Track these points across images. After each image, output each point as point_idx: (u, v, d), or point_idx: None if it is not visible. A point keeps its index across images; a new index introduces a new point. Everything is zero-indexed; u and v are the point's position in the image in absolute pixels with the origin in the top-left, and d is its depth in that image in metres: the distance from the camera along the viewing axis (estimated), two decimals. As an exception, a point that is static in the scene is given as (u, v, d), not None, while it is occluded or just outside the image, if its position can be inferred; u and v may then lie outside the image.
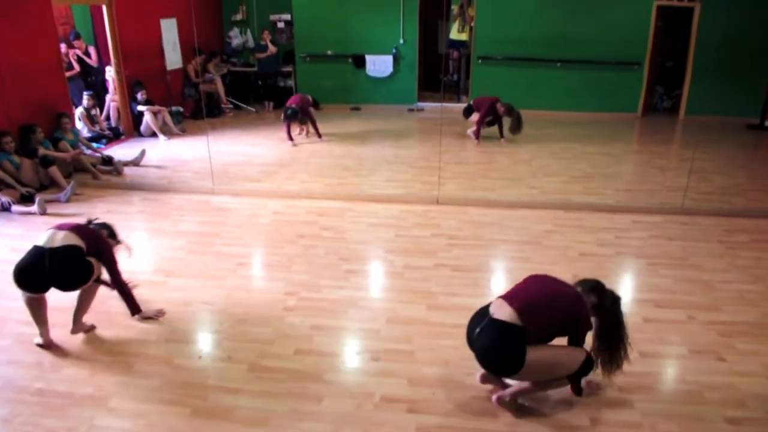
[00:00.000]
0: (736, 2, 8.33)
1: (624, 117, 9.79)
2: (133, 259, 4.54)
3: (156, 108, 8.41)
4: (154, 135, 8.33)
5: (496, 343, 2.65)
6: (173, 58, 9.45)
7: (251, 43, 10.96)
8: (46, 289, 3.22)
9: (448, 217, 5.37)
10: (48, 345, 3.32)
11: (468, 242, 4.84)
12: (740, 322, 3.65)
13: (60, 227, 3.32)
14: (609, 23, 9.34)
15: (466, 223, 5.26)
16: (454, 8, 10.41)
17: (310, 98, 8.42)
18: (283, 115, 8.08)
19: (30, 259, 3.16)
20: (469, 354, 2.82)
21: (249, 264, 4.59)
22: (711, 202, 5.76)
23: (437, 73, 10.46)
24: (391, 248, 4.76)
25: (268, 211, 5.58)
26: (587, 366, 2.73)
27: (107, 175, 6.61)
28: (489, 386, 2.95)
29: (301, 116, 8.12)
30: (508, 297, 2.75)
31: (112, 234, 3.62)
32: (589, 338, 2.81)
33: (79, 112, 7.74)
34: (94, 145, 7.45)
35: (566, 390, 2.94)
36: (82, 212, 5.31)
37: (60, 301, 3.40)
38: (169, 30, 9.29)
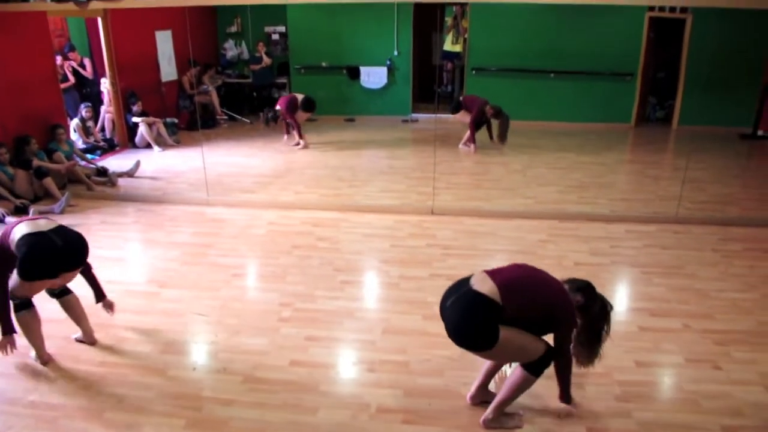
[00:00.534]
0: (727, 14, 8.40)
1: (617, 127, 9.84)
2: (128, 270, 4.55)
3: (151, 119, 8.41)
4: (148, 146, 8.32)
5: (468, 315, 2.56)
6: (168, 70, 9.46)
7: (246, 55, 10.99)
8: (61, 270, 3.13)
9: (443, 228, 5.37)
10: (47, 362, 3.28)
11: (463, 252, 4.84)
12: (735, 331, 3.65)
13: (22, 220, 3.24)
14: (602, 35, 9.41)
15: (461, 233, 5.26)
16: (448, 20, 10.48)
17: (299, 99, 8.35)
18: (263, 116, 8.11)
19: (42, 243, 3.05)
20: (465, 364, 2.82)
21: (243, 275, 4.58)
22: (705, 211, 5.78)
23: (431, 84, 10.50)
24: (386, 258, 4.75)
25: (262, 221, 5.57)
26: (545, 360, 2.63)
27: (102, 187, 6.60)
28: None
29: (288, 119, 8.13)
30: (492, 272, 2.66)
31: None
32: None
33: (74, 123, 7.74)
34: (89, 156, 7.44)
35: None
36: (77, 223, 5.28)
37: (52, 312, 3.39)
38: (165, 42, 9.31)
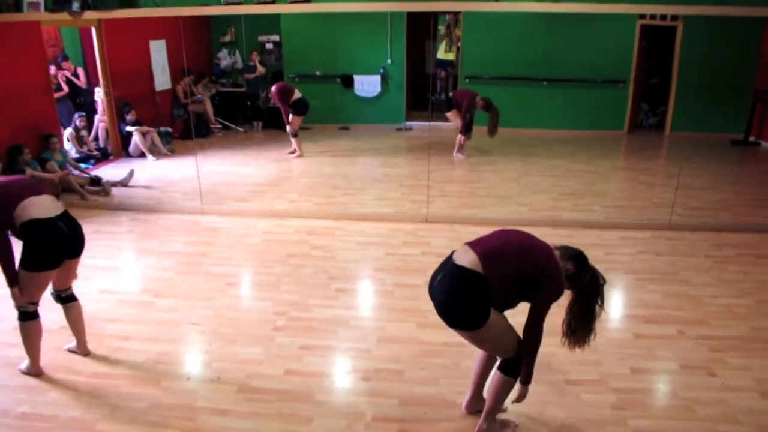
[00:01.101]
0: (717, 21, 8.48)
1: (610, 134, 9.88)
2: (122, 280, 4.52)
3: (145, 128, 8.40)
4: (142, 155, 8.30)
5: (453, 290, 2.49)
6: (162, 79, 9.47)
7: (240, 64, 11.01)
8: (66, 257, 3.10)
9: (438, 236, 5.37)
10: (39, 375, 3.24)
11: (458, 260, 4.82)
12: (730, 337, 3.66)
13: (24, 186, 3.14)
14: (594, 42, 9.46)
15: (455, 241, 5.24)
16: (441, 29, 10.56)
17: (294, 91, 8.25)
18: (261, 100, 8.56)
19: (51, 233, 3.01)
20: (460, 372, 2.81)
21: (238, 284, 4.57)
22: (698, 218, 5.81)
23: (425, 92, 10.55)
24: (381, 267, 4.75)
25: (257, 230, 5.56)
26: (519, 359, 2.56)
27: (95, 196, 6.57)
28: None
29: (278, 104, 8.23)
30: (473, 243, 2.58)
31: None
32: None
33: (67, 132, 7.72)
34: (83, 165, 7.41)
35: (561, 408, 2.94)
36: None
37: (45, 322, 3.36)
38: (159, 51, 9.32)
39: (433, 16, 9.77)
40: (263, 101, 8.92)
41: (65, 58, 8.20)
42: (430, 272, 4.54)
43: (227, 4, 7.86)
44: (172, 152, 8.69)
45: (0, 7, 6.00)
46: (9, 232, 3.01)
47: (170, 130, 9.19)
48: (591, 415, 2.93)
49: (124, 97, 8.38)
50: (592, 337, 2.58)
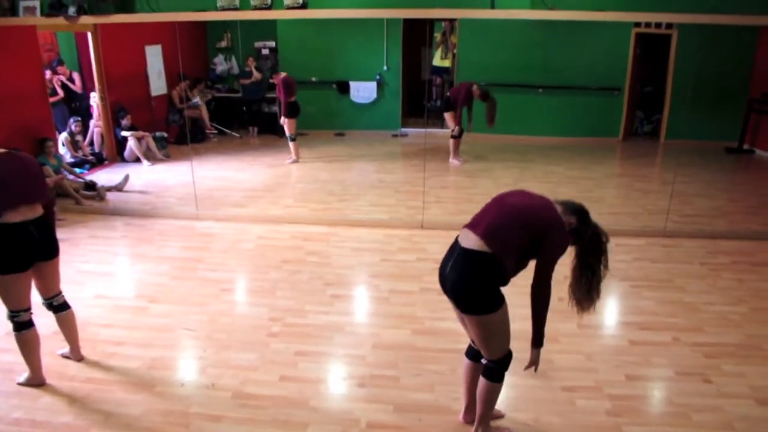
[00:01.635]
0: (712, 30, 8.52)
1: (605, 141, 9.91)
2: (116, 285, 4.50)
3: (140, 133, 8.38)
4: (137, 160, 8.29)
5: (466, 275, 2.45)
6: (158, 84, 9.46)
7: (236, 70, 11.02)
8: (35, 260, 3.07)
9: (433, 242, 5.37)
10: (41, 385, 3.20)
11: (453, 266, 4.82)
12: (725, 344, 3.67)
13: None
14: (589, 50, 9.51)
15: (451, 247, 5.26)
16: (437, 35, 10.57)
17: (294, 85, 8.25)
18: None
19: (24, 234, 2.98)
20: (455, 379, 2.79)
21: (233, 289, 4.55)
22: (693, 225, 5.82)
23: (421, 99, 10.56)
24: (376, 273, 4.74)
25: (252, 236, 5.55)
26: (504, 364, 2.57)
27: (90, 201, 6.55)
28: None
29: (280, 97, 8.16)
30: (472, 224, 2.55)
31: None
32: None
33: (62, 137, 7.70)
34: (77, 170, 7.40)
35: (556, 415, 2.93)
36: (64, 238, 5.23)
37: (38, 327, 3.34)
38: (154, 56, 9.31)
39: (429, 23, 9.79)
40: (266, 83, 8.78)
41: (61, 63, 8.19)
42: (426, 278, 4.57)
43: (223, 9, 7.86)
44: (168, 157, 8.67)
45: (-4, 12, 6.00)
46: None
47: (166, 135, 9.18)
48: (586, 421, 2.92)
49: (119, 101, 8.37)
50: (596, 300, 2.55)
